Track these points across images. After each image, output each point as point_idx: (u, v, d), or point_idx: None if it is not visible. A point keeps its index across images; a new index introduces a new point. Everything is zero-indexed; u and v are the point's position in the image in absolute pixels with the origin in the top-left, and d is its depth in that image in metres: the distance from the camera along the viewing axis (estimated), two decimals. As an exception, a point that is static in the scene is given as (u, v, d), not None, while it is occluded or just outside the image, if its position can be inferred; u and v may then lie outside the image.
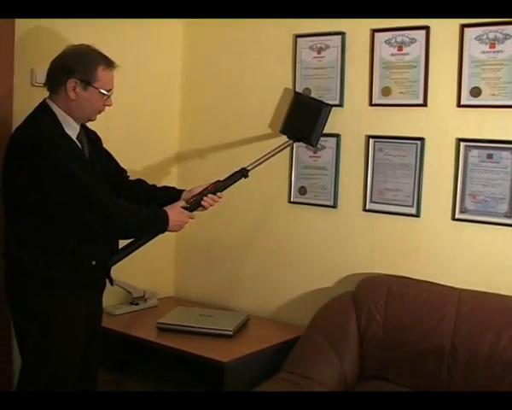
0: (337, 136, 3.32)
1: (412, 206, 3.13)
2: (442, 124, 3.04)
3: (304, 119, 3.30)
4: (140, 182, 2.96)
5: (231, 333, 3.16)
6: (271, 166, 3.33)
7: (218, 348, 3.02)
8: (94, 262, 2.60)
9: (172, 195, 2.92)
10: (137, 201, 2.87)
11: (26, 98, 2.96)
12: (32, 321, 2.52)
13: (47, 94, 2.59)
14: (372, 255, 3.25)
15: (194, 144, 3.86)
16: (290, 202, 3.50)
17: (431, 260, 3.10)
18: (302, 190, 3.46)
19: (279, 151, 3.23)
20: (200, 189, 2.90)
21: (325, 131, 3.28)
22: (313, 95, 3.37)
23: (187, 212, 2.78)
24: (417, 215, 3.12)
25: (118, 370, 3.22)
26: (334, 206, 3.35)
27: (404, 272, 3.11)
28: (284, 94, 3.48)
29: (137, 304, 3.59)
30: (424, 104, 3.08)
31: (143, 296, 3.62)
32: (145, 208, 2.65)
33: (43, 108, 2.55)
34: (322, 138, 3.31)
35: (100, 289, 2.76)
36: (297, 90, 3.43)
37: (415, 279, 3.05)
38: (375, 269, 3.22)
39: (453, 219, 3.03)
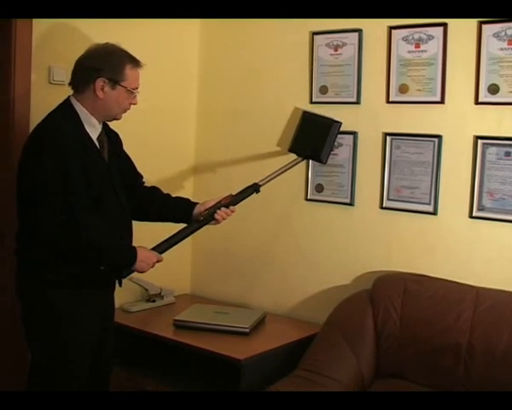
0: (354, 133, 3.31)
1: (429, 204, 3.12)
2: (459, 121, 3.03)
3: (312, 136, 3.32)
4: (155, 189, 2.94)
5: (248, 330, 3.16)
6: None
7: (234, 346, 3.02)
8: (102, 267, 2.59)
9: (185, 206, 2.92)
10: (150, 207, 2.88)
11: (44, 96, 2.98)
12: (40, 320, 2.51)
13: (65, 92, 2.59)
14: (389, 253, 3.24)
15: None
16: (307, 199, 3.50)
17: (448, 257, 3.08)
18: (319, 188, 3.45)
19: (289, 168, 3.27)
20: (213, 202, 2.91)
21: (342, 128, 3.28)
22: (330, 92, 3.38)
23: (155, 253, 2.69)
24: (434, 213, 3.11)
25: (134, 367, 3.23)
26: (351, 203, 3.35)
27: (421, 270, 3.10)
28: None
29: (154, 301, 3.60)
30: (441, 101, 3.06)
31: (160, 293, 3.63)
32: (118, 239, 2.61)
33: (65, 107, 2.54)
34: (339, 136, 3.30)
35: (110, 289, 2.74)
36: (313, 88, 3.42)
37: (432, 277, 3.04)
38: (391, 267, 3.21)
39: (470, 216, 3.01)
